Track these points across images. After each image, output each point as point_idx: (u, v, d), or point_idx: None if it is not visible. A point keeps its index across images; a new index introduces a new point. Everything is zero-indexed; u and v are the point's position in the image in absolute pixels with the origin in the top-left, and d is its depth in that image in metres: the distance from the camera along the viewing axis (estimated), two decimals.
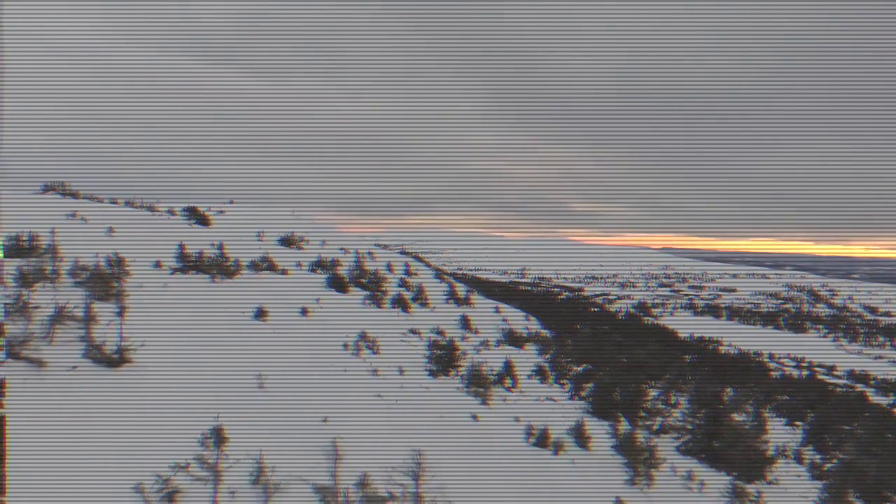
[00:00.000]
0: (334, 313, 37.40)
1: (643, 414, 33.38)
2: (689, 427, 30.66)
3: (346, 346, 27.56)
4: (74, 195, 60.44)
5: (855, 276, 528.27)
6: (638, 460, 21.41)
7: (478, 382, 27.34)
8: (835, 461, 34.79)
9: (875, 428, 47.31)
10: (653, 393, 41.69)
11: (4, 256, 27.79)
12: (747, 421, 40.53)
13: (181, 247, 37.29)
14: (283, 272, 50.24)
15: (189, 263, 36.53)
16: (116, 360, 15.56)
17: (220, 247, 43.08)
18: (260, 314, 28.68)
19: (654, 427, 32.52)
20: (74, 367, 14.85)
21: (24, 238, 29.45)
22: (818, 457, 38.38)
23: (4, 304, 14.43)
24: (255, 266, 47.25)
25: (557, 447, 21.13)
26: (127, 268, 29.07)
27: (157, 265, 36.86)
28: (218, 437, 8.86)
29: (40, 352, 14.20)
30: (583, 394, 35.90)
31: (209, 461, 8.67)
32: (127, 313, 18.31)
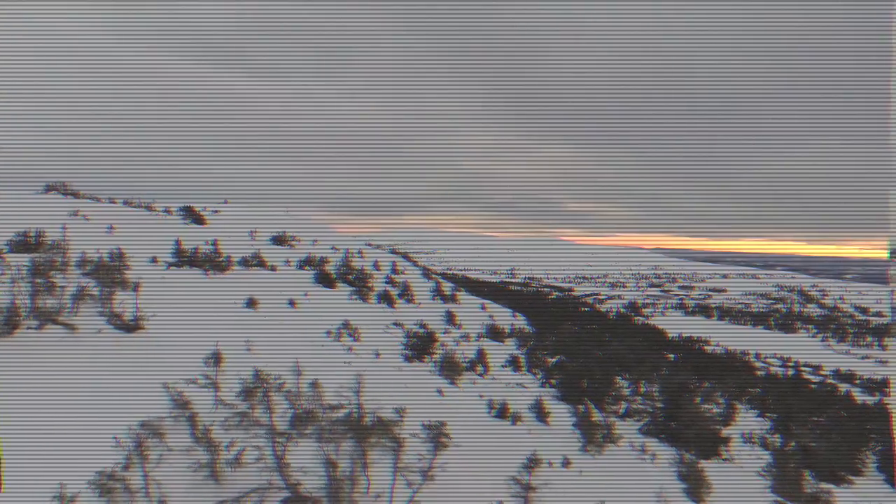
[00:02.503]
0: (321, 306, 39.74)
1: (609, 399, 35.76)
2: (650, 410, 33.15)
3: (328, 332, 29.99)
4: (75, 195, 62.84)
5: (847, 276, 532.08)
6: (594, 434, 23.78)
7: (450, 367, 29.67)
8: (792, 444, 37.18)
9: (838, 417, 49.71)
10: (624, 383, 44.15)
11: (13, 252, 30.13)
12: (711, 407, 42.94)
13: (178, 243, 39.66)
14: (273, 269, 52.55)
15: (184, 259, 38.88)
16: (133, 326, 18.56)
17: (214, 243, 45.46)
18: (251, 303, 31.15)
19: (620, 411, 34.93)
20: (99, 330, 17.70)
21: (31, 234, 31.88)
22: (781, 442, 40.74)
23: (34, 282, 17.23)
24: (246, 262, 49.55)
25: (515, 418, 23.52)
26: (127, 261, 31.39)
27: (154, 260, 39.19)
28: (217, 357, 11.47)
29: (71, 319, 17.12)
30: (553, 382, 38.28)
31: (211, 376, 11.17)
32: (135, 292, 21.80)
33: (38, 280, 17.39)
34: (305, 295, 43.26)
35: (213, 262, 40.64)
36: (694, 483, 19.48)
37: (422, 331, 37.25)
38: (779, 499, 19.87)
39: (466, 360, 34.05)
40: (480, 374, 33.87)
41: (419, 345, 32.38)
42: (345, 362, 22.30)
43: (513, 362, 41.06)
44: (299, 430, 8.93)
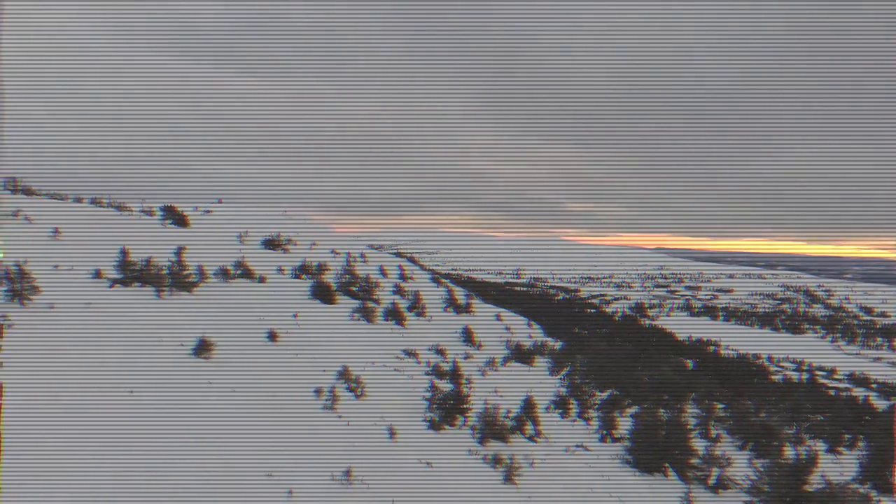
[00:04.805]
0: (313, 335, 30.60)
1: (694, 462, 26.53)
2: (765, 489, 23.66)
3: (318, 391, 20.45)
4: (27, 192, 54.04)
5: (847, 275, 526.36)
6: None
7: (493, 432, 20.68)
8: None
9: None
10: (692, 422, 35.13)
11: None
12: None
13: (124, 253, 30.20)
14: (261, 279, 43.59)
15: (133, 274, 29.67)
16: None
17: (178, 252, 36.15)
18: (201, 349, 21.08)
19: (710, 481, 25.68)
20: None
21: None
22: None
23: None
24: (225, 273, 40.51)
25: None
26: (33, 282, 22.19)
27: (98, 274, 30.23)
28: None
29: None
30: (615, 434, 29.17)
31: None
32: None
33: None
34: (294, 318, 34.28)
35: (175, 276, 31.50)
36: None
37: (445, 365, 28.04)
38: None
39: (509, 414, 24.65)
40: (531, 437, 24.51)
41: (446, 403, 22.99)
42: (344, 472, 12.68)
43: (561, 404, 31.99)
44: None
